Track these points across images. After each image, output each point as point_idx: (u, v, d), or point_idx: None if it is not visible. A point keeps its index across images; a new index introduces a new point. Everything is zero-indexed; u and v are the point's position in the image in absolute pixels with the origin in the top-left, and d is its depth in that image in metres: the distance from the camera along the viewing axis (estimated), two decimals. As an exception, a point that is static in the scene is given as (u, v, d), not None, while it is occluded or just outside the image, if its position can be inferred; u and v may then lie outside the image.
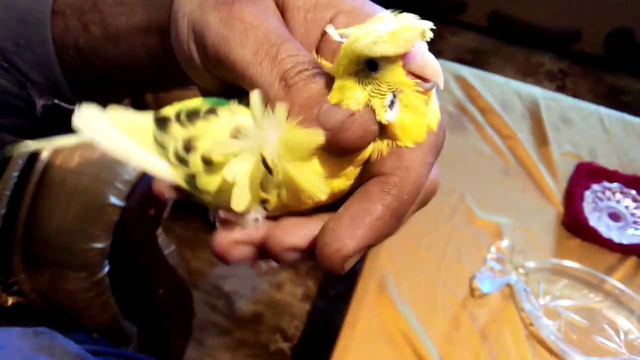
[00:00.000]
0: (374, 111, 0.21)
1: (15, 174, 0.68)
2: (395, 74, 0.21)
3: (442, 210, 0.88)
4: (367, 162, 0.22)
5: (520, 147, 0.99)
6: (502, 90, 1.09)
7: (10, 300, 0.75)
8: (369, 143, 0.22)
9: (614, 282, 0.79)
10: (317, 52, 0.25)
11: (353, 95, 0.21)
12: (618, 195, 0.91)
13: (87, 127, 0.24)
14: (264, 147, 0.21)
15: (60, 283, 0.74)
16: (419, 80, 0.21)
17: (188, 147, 0.23)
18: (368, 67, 0.21)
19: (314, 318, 1.35)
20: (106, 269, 0.75)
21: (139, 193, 0.75)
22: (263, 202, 0.23)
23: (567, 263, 0.80)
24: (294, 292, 1.39)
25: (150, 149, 0.24)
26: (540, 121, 1.04)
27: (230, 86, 0.25)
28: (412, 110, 0.21)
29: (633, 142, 1.03)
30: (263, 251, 0.23)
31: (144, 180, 0.76)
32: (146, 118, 0.25)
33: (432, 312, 0.76)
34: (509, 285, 0.78)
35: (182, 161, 0.23)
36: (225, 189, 0.22)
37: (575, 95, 1.91)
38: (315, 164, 0.22)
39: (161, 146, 0.24)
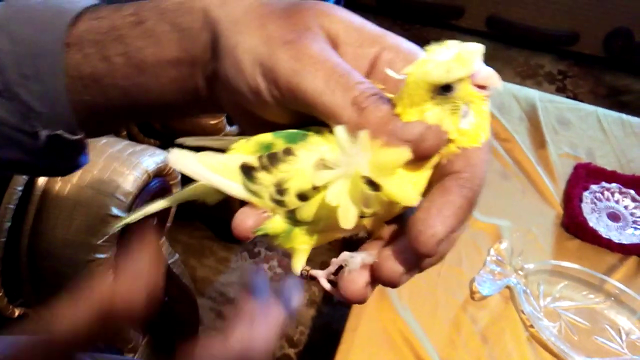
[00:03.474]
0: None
1: (19, 187, 0.69)
2: (467, 90, 0.25)
3: (442, 214, 0.88)
4: (437, 165, 0.27)
5: (518, 150, 0.99)
6: (499, 93, 1.09)
7: (17, 312, 0.77)
8: (441, 148, 0.26)
9: (614, 282, 0.79)
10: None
11: (432, 114, 0.25)
12: (617, 196, 0.91)
13: (181, 168, 0.28)
14: (359, 170, 0.25)
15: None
16: (483, 90, 0.26)
17: (281, 190, 0.27)
18: (443, 90, 0.25)
19: (319, 323, 1.35)
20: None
21: (140, 204, 0.76)
22: (361, 217, 0.26)
23: (567, 264, 0.80)
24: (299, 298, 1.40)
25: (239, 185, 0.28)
26: (537, 123, 1.04)
27: (295, 116, 0.28)
28: (481, 116, 0.26)
29: (631, 142, 1.03)
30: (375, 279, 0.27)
31: (146, 191, 0.77)
32: (232, 160, 0.28)
33: (432, 316, 0.76)
34: (508, 288, 0.78)
35: (279, 203, 0.27)
36: (326, 216, 0.26)
37: (575, 96, 1.92)
38: (400, 175, 0.26)
39: (254, 194, 0.27)
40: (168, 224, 0.88)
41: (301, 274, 0.29)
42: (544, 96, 1.11)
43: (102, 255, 0.73)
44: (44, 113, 0.32)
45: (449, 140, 0.26)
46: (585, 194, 0.90)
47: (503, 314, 0.77)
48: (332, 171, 0.26)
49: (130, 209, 0.74)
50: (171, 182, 0.84)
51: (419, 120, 0.26)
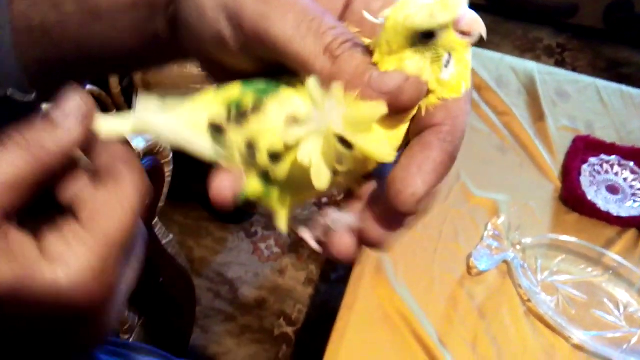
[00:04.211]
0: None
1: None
2: (450, 37, 0.24)
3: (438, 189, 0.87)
4: (415, 117, 0.25)
5: (516, 123, 0.98)
6: (497, 66, 1.07)
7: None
8: (420, 100, 0.24)
9: (613, 255, 0.78)
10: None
11: (411, 63, 0.24)
12: (616, 168, 0.90)
13: (145, 117, 0.26)
14: (331, 127, 0.23)
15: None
16: (467, 37, 0.24)
17: (251, 148, 0.25)
18: (424, 37, 0.23)
19: (317, 302, 1.35)
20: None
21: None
22: (335, 174, 0.25)
23: (565, 238, 0.79)
24: (296, 277, 1.40)
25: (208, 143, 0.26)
26: (536, 96, 1.02)
27: (262, 64, 0.26)
28: (462, 64, 0.24)
29: (631, 113, 1.02)
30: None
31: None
32: (199, 116, 0.26)
33: (429, 292, 0.75)
34: (506, 262, 0.78)
35: (251, 163, 0.26)
36: (299, 176, 0.25)
37: (574, 69, 1.89)
38: (376, 130, 0.24)
39: (224, 155, 0.26)
40: (161, 204, 0.87)
41: (288, 234, 0.28)
42: (542, 68, 1.09)
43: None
44: None
45: (429, 92, 0.24)
46: (584, 166, 0.89)
47: (500, 289, 0.76)
48: (303, 128, 0.24)
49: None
50: (162, 161, 0.82)
51: (397, 69, 0.24)
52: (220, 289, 1.37)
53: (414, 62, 0.24)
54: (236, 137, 0.25)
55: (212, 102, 0.26)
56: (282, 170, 0.25)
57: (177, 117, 0.26)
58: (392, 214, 0.25)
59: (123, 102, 0.97)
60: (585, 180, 0.87)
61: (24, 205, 0.22)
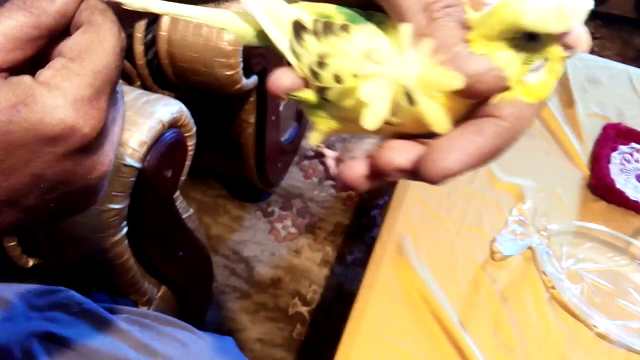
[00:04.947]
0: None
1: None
2: (552, 47, 0.23)
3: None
4: (483, 102, 0.24)
5: (545, 109, 0.96)
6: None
7: (31, 262, 0.77)
8: (495, 94, 0.24)
9: (641, 245, 0.76)
10: None
11: (503, 57, 0.23)
12: (647, 157, 0.88)
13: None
14: (404, 77, 0.23)
15: (79, 244, 0.75)
16: (568, 51, 0.23)
17: (322, 63, 0.25)
18: (527, 38, 0.22)
19: (332, 283, 1.35)
20: (124, 230, 0.76)
21: (155, 155, 0.74)
22: (386, 123, 0.25)
23: (592, 226, 0.78)
24: (312, 258, 1.39)
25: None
26: (566, 82, 1.00)
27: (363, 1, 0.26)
28: (553, 75, 0.24)
29: (664, 102, 0.99)
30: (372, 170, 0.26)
31: (161, 141, 0.75)
32: (289, 12, 0.26)
33: (451, 275, 0.75)
34: (530, 249, 0.76)
35: (315, 75, 0.25)
36: (352, 108, 0.25)
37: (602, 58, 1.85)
38: (441, 99, 0.24)
39: (296, 55, 0.26)
40: (183, 178, 0.87)
41: (315, 151, 0.29)
42: (573, 54, 1.06)
43: (116, 206, 0.72)
44: None
45: (507, 88, 0.24)
46: (614, 154, 0.87)
47: (524, 275, 0.75)
48: (378, 66, 0.24)
49: (144, 160, 0.72)
50: (186, 134, 0.82)
51: (486, 56, 0.23)
52: (236, 267, 1.38)
53: (506, 57, 0.23)
54: (313, 45, 0.25)
55: (304, 7, 0.26)
56: (340, 95, 0.25)
57: (265, 5, 0.26)
58: (414, 160, 0.25)
59: (147, 74, 0.96)
60: (615, 168, 0.85)
61: (25, 60, 0.24)
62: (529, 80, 0.24)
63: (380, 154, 0.25)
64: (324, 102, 0.26)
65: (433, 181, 0.24)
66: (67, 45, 0.25)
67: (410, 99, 0.24)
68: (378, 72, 0.24)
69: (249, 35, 0.27)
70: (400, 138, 0.26)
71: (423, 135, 0.26)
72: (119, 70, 0.25)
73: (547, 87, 0.24)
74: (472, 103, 0.25)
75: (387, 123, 0.25)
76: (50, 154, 0.24)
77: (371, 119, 0.24)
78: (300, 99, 0.27)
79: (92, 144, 0.25)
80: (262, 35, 0.27)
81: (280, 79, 0.26)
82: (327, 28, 0.25)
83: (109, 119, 0.26)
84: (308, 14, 0.26)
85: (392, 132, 0.26)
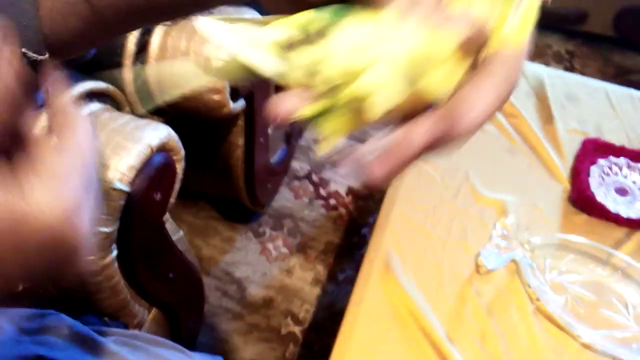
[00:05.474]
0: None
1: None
2: None
3: (447, 189, 0.88)
4: (472, 66, 0.26)
5: (525, 126, 0.98)
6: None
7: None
8: (482, 43, 0.25)
9: (622, 255, 0.78)
10: None
11: (481, 7, 0.24)
12: (625, 170, 0.90)
13: (210, 35, 0.26)
14: (396, 58, 0.24)
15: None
16: None
17: (312, 72, 0.25)
18: None
19: (324, 302, 1.35)
20: (114, 253, 0.77)
21: (144, 178, 0.75)
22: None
23: (574, 238, 0.79)
24: (304, 277, 1.40)
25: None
26: (545, 99, 1.03)
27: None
28: (527, 20, 0.25)
29: (640, 117, 1.02)
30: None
31: (149, 165, 0.77)
32: (267, 35, 0.26)
33: (437, 290, 0.76)
34: (514, 262, 0.78)
35: (311, 83, 0.26)
36: (356, 102, 0.25)
37: (583, 76, 1.89)
38: (435, 71, 0.25)
39: (285, 75, 0.26)
40: (172, 200, 0.88)
41: (328, 159, 0.29)
42: (552, 72, 1.09)
43: (105, 229, 0.73)
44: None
45: (491, 38, 0.25)
46: (593, 168, 0.89)
47: (509, 288, 0.76)
48: (369, 55, 0.24)
49: (133, 183, 0.74)
50: (175, 157, 0.83)
51: (465, 11, 0.24)
52: (228, 288, 1.38)
53: (483, 6, 0.25)
54: (302, 57, 0.26)
55: (281, 24, 0.27)
56: (341, 94, 0.25)
57: (243, 33, 0.26)
58: (435, 130, 0.25)
59: (136, 100, 0.98)
60: (594, 181, 0.88)
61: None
62: (513, 21, 0.25)
63: (398, 141, 0.26)
64: (327, 106, 0.26)
65: (467, 132, 0.25)
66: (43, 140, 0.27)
67: (408, 78, 0.24)
68: (371, 60, 0.24)
69: (237, 74, 0.27)
70: (401, 122, 0.27)
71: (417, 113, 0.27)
72: (92, 167, 0.28)
73: (523, 31, 0.26)
74: (463, 68, 0.26)
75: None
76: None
77: (376, 107, 0.24)
78: (303, 118, 0.27)
79: (66, 222, 0.27)
80: (247, 69, 0.27)
81: (278, 107, 0.26)
82: (305, 39, 0.26)
83: (81, 195, 0.27)
84: (287, 29, 0.26)
85: (393, 117, 0.27)
